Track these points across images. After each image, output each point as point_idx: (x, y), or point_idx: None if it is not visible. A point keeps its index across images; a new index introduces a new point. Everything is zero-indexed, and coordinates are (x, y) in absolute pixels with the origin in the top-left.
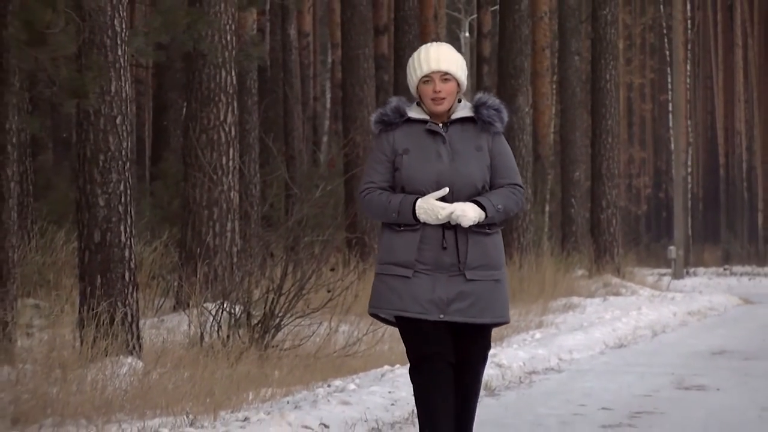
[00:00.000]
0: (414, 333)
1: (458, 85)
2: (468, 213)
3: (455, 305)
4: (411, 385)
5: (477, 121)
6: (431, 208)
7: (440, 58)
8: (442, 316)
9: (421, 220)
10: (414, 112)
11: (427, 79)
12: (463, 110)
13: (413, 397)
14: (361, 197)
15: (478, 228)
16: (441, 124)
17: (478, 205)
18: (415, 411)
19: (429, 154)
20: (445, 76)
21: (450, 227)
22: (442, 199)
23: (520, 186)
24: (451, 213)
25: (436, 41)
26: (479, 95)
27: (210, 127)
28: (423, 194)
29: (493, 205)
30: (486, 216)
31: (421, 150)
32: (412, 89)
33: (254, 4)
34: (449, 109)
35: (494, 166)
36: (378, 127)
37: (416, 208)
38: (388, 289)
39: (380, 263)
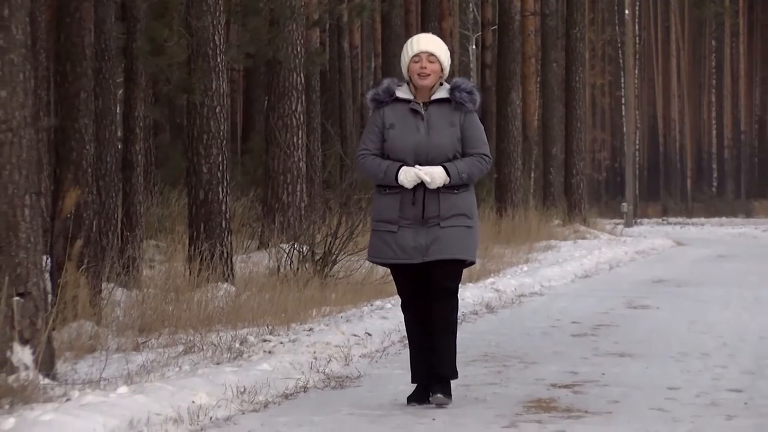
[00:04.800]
0: (402, 278)
1: (441, 69)
2: (435, 179)
3: (434, 247)
4: None
5: (452, 101)
6: (409, 172)
7: (428, 42)
8: (424, 257)
9: (399, 182)
10: (402, 92)
11: (417, 59)
12: (441, 92)
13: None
14: (357, 160)
15: (446, 189)
16: (422, 104)
17: (446, 171)
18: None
19: (410, 129)
20: (431, 58)
21: (420, 188)
22: (419, 162)
23: (487, 155)
24: (422, 175)
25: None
26: (456, 79)
27: (285, 114)
28: (404, 161)
29: (458, 172)
30: (449, 180)
31: (404, 125)
32: (404, 68)
33: (317, 24)
34: (432, 88)
35: (466, 138)
36: (372, 104)
37: (399, 173)
38: (381, 242)
39: (373, 220)
